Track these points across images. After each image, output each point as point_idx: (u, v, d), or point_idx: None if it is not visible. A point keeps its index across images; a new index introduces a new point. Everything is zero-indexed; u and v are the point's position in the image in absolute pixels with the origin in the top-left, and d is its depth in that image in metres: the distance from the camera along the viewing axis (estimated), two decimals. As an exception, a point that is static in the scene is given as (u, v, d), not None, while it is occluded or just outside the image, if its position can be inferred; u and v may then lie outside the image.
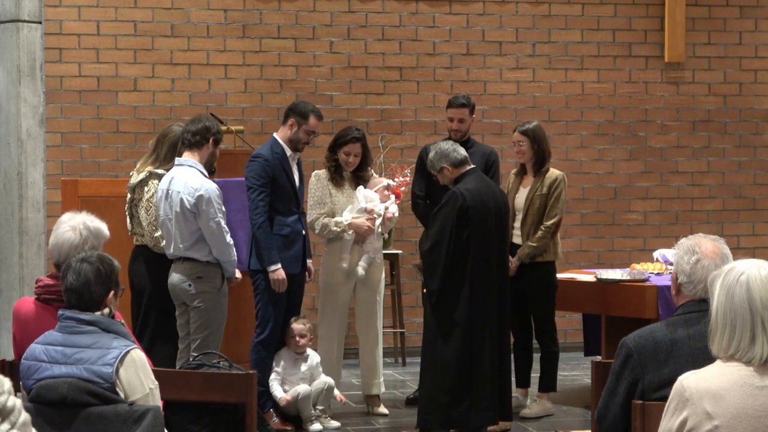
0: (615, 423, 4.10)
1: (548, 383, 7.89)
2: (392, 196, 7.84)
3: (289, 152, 7.32)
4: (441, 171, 7.07)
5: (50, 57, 9.36)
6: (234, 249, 6.90)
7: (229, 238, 6.83)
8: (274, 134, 7.43)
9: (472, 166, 7.10)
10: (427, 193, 8.24)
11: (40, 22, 9.33)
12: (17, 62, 9.25)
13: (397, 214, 7.89)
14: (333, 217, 7.64)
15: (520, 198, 7.83)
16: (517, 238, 7.82)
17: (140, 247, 7.16)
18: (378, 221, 7.67)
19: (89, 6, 9.43)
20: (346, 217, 7.63)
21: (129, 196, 7.18)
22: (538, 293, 7.78)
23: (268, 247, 7.14)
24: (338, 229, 7.61)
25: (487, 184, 7.12)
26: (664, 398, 3.45)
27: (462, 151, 7.08)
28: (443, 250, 6.85)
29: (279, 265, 7.16)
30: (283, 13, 9.78)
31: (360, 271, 7.64)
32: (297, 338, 7.34)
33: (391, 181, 7.96)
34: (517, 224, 7.82)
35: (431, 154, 7.15)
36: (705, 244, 4.06)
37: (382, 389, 7.94)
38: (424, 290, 7.18)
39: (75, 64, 9.42)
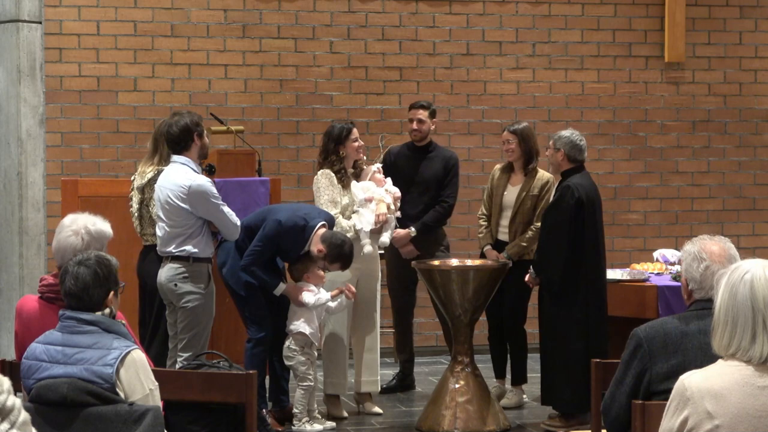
0: (620, 414, 4.12)
1: (521, 376, 8.12)
2: (388, 179, 7.89)
3: None
4: (558, 151, 7.36)
5: (50, 57, 9.36)
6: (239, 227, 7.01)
7: (235, 219, 6.91)
8: None
9: (584, 169, 7.45)
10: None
11: (40, 22, 9.33)
12: (17, 62, 9.25)
13: (398, 193, 7.91)
14: (344, 216, 7.67)
15: (510, 196, 7.96)
16: (503, 235, 8.01)
17: (150, 246, 7.16)
18: (388, 199, 7.71)
19: (89, 6, 9.43)
20: (356, 213, 7.67)
21: (138, 197, 7.18)
22: (517, 290, 7.89)
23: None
24: (352, 233, 7.61)
25: (592, 181, 7.50)
26: (671, 390, 3.46)
27: (584, 156, 7.45)
28: (563, 241, 7.17)
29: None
30: (283, 13, 9.78)
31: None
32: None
33: (378, 165, 8.01)
34: (505, 222, 7.99)
35: (565, 132, 7.45)
36: (711, 247, 4.12)
37: (378, 388, 7.93)
38: (536, 278, 7.42)
39: (75, 64, 9.42)
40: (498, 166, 8.20)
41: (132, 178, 7.37)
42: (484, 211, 8.12)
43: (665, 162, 10.44)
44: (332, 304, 7.43)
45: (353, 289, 7.50)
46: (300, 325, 7.32)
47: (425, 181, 8.26)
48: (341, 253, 7.22)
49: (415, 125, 8.30)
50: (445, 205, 8.25)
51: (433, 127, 8.41)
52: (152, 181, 7.07)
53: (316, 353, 7.45)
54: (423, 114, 8.29)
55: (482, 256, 8.08)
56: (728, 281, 3.42)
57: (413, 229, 8.14)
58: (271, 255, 7.31)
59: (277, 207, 7.52)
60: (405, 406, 8.03)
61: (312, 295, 7.28)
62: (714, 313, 3.45)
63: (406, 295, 8.45)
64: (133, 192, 7.26)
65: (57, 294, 4.76)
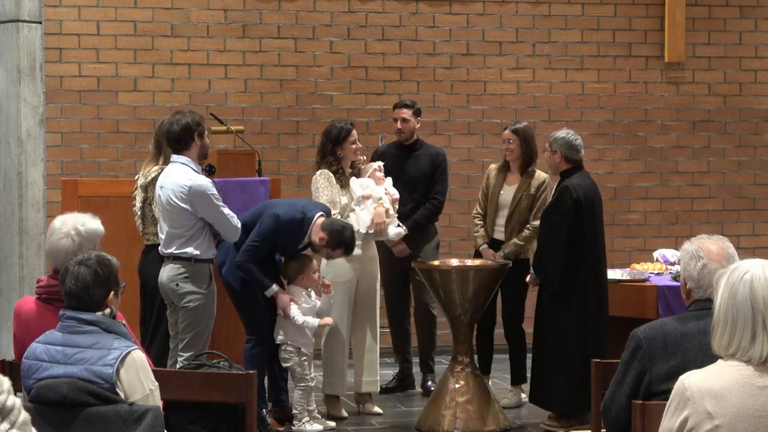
0: (620, 414, 4.12)
1: (521, 376, 8.10)
2: (388, 179, 7.87)
3: None
4: (554, 153, 7.36)
5: (50, 57, 9.36)
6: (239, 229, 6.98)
7: (235, 221, 6.88)
8: None
9: (582, 168, 7.43)
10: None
11: (40, 22, 9.33)
12: (17, 62, 9.25)
13: (397, 195, 7.88)
14: (342, 216, 7.66)
15: (506, 195, 7.98)
16: (499, 234, 8.03)
17: (151, 246, 7.16)
18: (387, 203, 7.68)
19: (89, 6, 9.43)
20: (353, 212, 7.65)
21: (142, 195, 7.17)
22: (514, 289, 7.91)
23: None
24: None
25: (591, 180, 7.48)
26: (671, 390, 3.46)
27: (581, 155, 7.42)
28: (562, 241, 7.16)
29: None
30: (283, 13, 9.78)
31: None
32: (315, 274, 7.37)
33: (380, 162, 7.98)
34: (501, 221, 8.00)
35: (560, 133, 7.43)
36: (708, 246, 4.12)
37: (378, 388, 7.92)
38: (536, 279, 7.38)
39: (75, 64, 9.42)
40: (494, 166, 8.21)
41: (136, 177, 7.37)
42: (480, 210, 8.14)
43: (665, 162, 10.44)
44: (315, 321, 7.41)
45: (328, 283, 7.47)
46: (283, 338, 7.30)
47: (413, 179, 8.28)
48: (343, 239, 7.20)
49: (399, 124, 8.34)
50: (435, 202, 8.27)
51: (418, 125, 8.43)
52: (156, 180, 7.08)
53: (312, 353, 7.43)
54: (407, 113, 8.33)
55: (476, 254, 8.09)
56: (728, 281, 3.42)
57: (404, 228, 8.13)
58: (268, 252, 7.29)
59: (274, 202, 7.49)
60: (405, 406, 8.03)
61: (299, 312, 7.22)
62: (713, 313, 3.45)
63: (400, 294, 8.45)
64: (136, 191, 7.26)
65: (53, 295, 4.77)
